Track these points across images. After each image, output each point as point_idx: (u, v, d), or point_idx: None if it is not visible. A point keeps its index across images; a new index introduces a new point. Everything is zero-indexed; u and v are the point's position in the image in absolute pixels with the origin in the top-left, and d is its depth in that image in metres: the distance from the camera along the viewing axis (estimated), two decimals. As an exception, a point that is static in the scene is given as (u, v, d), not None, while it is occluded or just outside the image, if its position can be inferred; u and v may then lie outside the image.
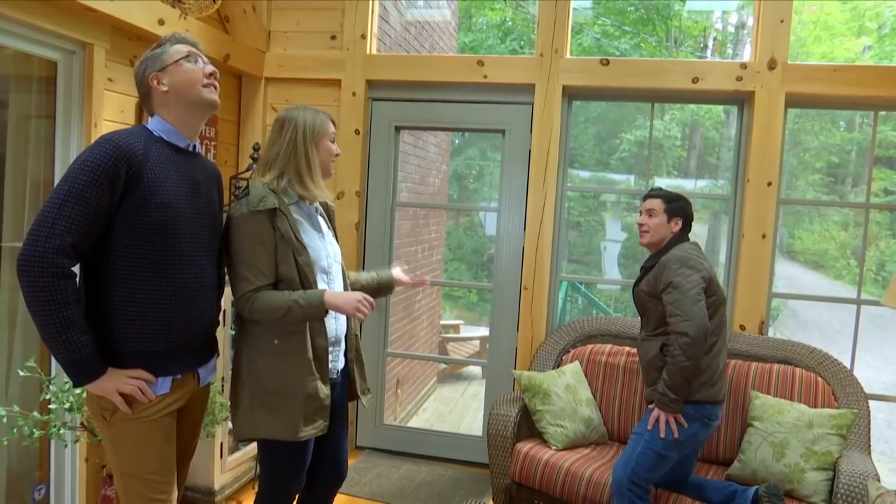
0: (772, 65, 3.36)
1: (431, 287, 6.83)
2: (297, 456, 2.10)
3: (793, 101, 3.42)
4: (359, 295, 2.00)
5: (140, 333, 1.76)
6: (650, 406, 2.62)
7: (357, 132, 3.81)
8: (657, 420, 2.54)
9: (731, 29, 12.53)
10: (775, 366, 3.11)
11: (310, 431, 2.04)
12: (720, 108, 10.72)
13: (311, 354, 2.04)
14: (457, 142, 11.32)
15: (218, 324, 2.01)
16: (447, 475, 3.67)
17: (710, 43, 12.59)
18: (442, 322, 8.05)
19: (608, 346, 3.38)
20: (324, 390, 2.07)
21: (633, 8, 11.67)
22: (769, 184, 3.39)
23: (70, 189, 1.63)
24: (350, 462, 3.76)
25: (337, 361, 2.19)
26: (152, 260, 1.75)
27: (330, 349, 2.12)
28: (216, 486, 3.08)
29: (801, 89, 3.35)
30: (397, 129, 3.91)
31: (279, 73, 3.88)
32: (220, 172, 2.10)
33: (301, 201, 2.12)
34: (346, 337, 2.24)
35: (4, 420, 2.46)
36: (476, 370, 7.92)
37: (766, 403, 2.90)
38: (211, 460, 3.06)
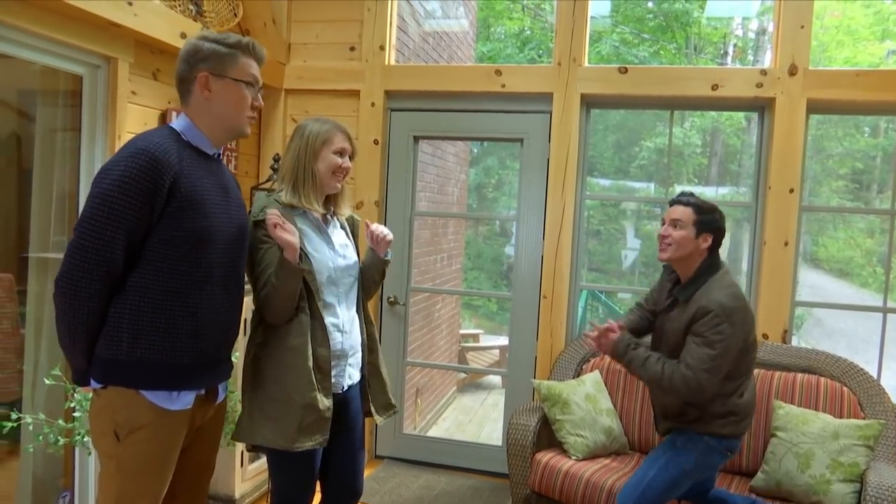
0: (792, 71, 3.33)
1: (451, 296, 6.81)
2: (302, 467, 2.08)
3: (814, 107, 3.39)
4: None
5: (170, 346, 1.70)
6: (665, 436, 2.54)
7: (376, 142, 3.83)
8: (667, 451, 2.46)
9: (751, 35, 12.44)
10: (799, 375, 3.06)
11: (306, 443, 2.00)
12: (741, 114, 10.63)
13: (311, 363, 2.01)
14: (475, 151, 11.34)
15: (237, 336, 1.99)
16: (467, 485, 3.66)
17: (731, 49, 12.49)
18: (461, 331, 8.03)
19: (628, 355, 3.35)
20: (324, 402, 2.03)
21: (651, 16, 11.63)
22: (791, 191, 3.36)
23: (110, 211, 1.58)
24: (369, 471, 3.77)
25: (343, 376, 2.15)
26: (185, 270, 1.69)
27: (335, 362, 2.10)
28: (237, 495, 3.10)
29: (822, 95, 3.31)
30: (416, 138, 3.93)
31: (299, 85, 3.93)
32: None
33: (308, 211, 2.11)
34: (362, 351, 2.22)
35: (31, 427, 2.50)
36: (496, 379, 7.89)
37: (790, 413, 2.86)
38: (232, 469, 3.08)
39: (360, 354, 2.22)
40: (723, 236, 2.41)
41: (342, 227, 2.24)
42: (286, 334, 2.01)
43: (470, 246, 11.56)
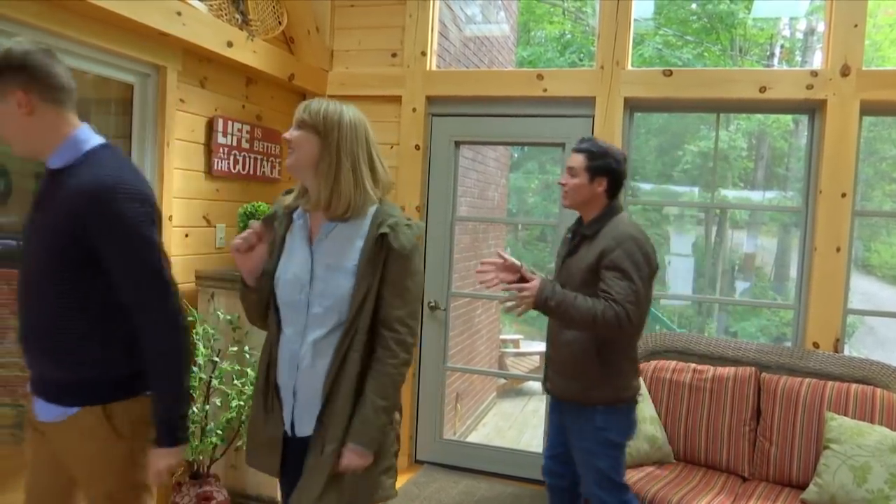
0: (845, 71, 3.23)
1: (491, 301, 6.80)
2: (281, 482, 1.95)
3: (868, 109, 3.28)
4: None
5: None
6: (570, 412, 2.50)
7: (417, 147, 3.85)
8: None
9: (799, 36, 12.13)
10: (853, 386, 2.95)
11: (255, 463, 1.89)
12: (789, 117, 10.37)
13: (262, 381, 1.86)
14: (516, 156, 11.30)
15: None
16: (507, 492, 3.63)
17: (778, 51, 12.20)
18: (501, 337, 8.00)
19: (673, 363, 3.28)
20: (266, 429, 1.83)
21: (695, 17, 11.44)
22: (843, 195, 3.25)
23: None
24: (409, 476, 3.77)
25: (290, 416, 1.81)
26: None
27: (284, 393, 1.82)
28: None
29: (876, 96, 3.20)
30: (457, 144, 3.93)
31: (341, 91, 3.97)
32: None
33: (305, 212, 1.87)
34: (322, 402, 1.77)
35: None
36: (536, 386, 7.83)
37: (843, 425, 2.76)
38: (274, 471, 3.11)
39: (316, 404, 1.78)
40: (620, 178, 2.46)
41: (359, 236, 1.80)
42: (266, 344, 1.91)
43: (510, 251, 11.51)
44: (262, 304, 1.89)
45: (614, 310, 2.24)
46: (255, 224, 1.81)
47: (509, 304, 2.37)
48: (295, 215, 1.88)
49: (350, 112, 1.82)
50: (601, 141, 2.50)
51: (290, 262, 1.82)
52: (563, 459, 2.63)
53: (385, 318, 1.77)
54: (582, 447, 2.47)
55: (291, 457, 1.83)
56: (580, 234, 2.50)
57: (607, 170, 2.43)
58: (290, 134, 1.80)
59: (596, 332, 2.33)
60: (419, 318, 1.87)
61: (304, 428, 1.79)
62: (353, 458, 1.73)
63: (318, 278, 1.77)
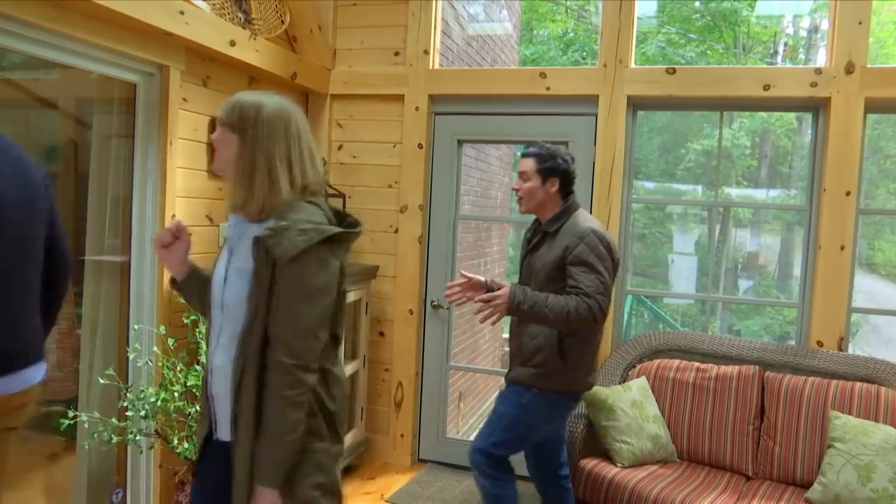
0: (849, 69, 3.22)
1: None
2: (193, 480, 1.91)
3: (873, 107, 3.27)
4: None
5: None
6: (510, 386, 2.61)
7: (420, 146, 3.85)
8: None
9: (802, 33, 12.09)
10: (857, 384, 2.95)
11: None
12: (792, 115, 10.34)
13: (204, 374, 1.79)
14: (519, 154, 11.29)
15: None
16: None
17: (781, 48, 12.16)
18: (504, 335, 7.99)
19: (676, 362, 3.28)
20: (199, 428, 1.79)
21: (698, 15, 11.40)
22: (847, 193, 3.24)
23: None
24: (412, 475, 3.77)
25: (212, 415, 1.73)
26: None
27: (209, 399, 1.74)
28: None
29: (881, 94, 3.19)
30: (460, 142, 3.93)
31: (344, 90, 3.97)
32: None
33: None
34: (231, 419, 1.65)
35: (86, 425, 2.57)
36: (539, 384, 7.84)
37: (847, 424, 2.76)
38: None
39: (227, 414, 1.67)
40: (571, 177, 2.57)
41: (250, 243, 1.64)
42: None
43: (512, 250, 11.50)
44: (192, 301, 1.89)
45: (587, 303, 2.32)
46: (175, 220, 1.81)
47: (482, 314, 2.41)
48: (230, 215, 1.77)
49: (271, 106, 1.65)
50: (548, 144, 2.61)
51: (218, 263, 1.75)
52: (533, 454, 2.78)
53: (270, 334, 1.60)
54: (497, 410, 2.61)
55: (212, 458, 1.76)
56: (541, 232, 2.58)
57: (558, 170, 2.54)
58: (214, 134, 1.70)
59: (571, 328, 2.41)
60: (312, 338, 1.60)
61: (223, 432, 1.70)
62: (258, 499, 1.60)
63: (229, 280, 1.68)
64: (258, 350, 1.60)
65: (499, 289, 2.42)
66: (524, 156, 2.57)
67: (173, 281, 1.89)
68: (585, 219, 2.51)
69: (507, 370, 2.74)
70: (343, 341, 1.84)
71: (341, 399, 1.74)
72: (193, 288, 1.86)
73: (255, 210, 1.64)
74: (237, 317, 1.64)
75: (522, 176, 2.56)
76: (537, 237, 2.60)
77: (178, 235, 1.81)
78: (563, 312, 2.31)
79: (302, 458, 1.62)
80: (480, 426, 2.65)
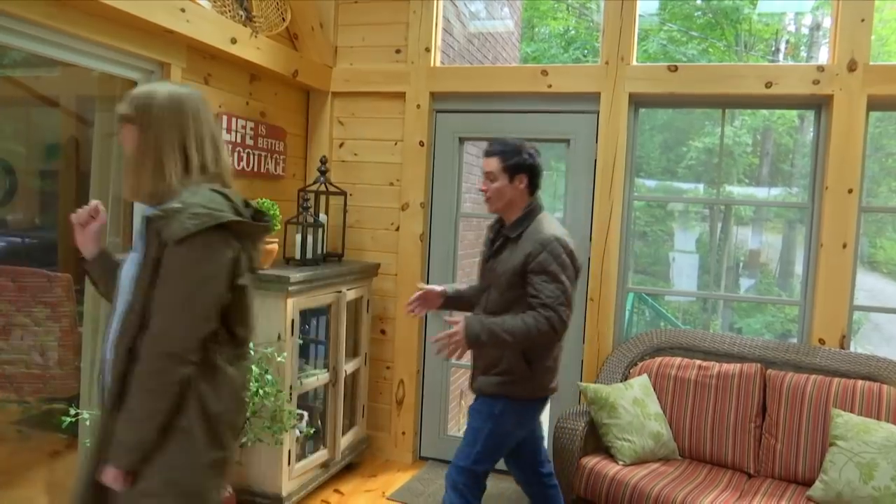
0: (852, 66, 3.21)
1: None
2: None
3: (875, 104, 3.26)
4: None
5: None
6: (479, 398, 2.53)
7: (421, 144, 3.84)
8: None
9: (804, 31, 12.07)
10: (859, 382, 2.94)
11: None
12: (794, 113, 10.32)
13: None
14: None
15: None
16: (511, 488, 3.62)
17: (783, 46, 12.14)
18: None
19: (678, 360, 3.28)
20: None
21: (700, 13, 11.38)
22: (850, 191, 3.24)
23: None
24: (413, 472, 3.77)
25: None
26: None
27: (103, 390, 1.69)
28: (284, 493, 3.13)
29: (884, 91, 3.19)
30: (461, 140, 3.92)
31: (345, 88, 3.96)
32: None
33: None
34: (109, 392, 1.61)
35: (87, 423, 2.57)
36: (540, 382, 7.83)
37: (849, 422, 2.75)
38: (279, 467, 3.12)
39: (106, 385, 1.65)
40: (538, 172, 2.46)
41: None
42: None
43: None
44: (99, 285, 1.86)
45: (545, 316, 2.27)
46: (94, 202, 1.80)
47: (442, 352, 2.37)
48: None
49: (164, 94, 1.66)
50: (510, 139, 2.51)
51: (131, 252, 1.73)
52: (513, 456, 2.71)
53: (149, 318, 1.56)
54: (472, 426, 2.51)
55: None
56: (503, 236, 2.49)
57: (524, 165, 2.44)
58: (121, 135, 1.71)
59: (533, 346, 2.35)
60: (191, 328, 1.55)
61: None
62: (103, 473, 1.58)
63: (126, 264, 1.69)
64: (136, 333, 1.57)
65: (455, 324, 2.36)
66: (487, 154, 2.47)
67: (82, 260, 1.85)
68: (549, 224, 2.43)
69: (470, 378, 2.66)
70: (248, 342, 1.75)
71: (231, 401, 1.65)
72: (101, 269, 1.83)
73: (146, 195, 1.65)
74: (124, 301, 1.62)
75: (489, 176, 2.46)
76: (500, 240, 2.51)
77: (93, 216, 1.80)
78: (523, 332, 2.27)
79: (158, 451, 1.56)
80: (457, 447, 2.56)
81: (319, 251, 3.58)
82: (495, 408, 2.47)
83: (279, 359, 3.00)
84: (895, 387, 2.91)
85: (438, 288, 2.66)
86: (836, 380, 2.97)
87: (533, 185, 2.48)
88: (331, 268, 3.48)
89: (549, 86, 3.62)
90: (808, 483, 2.83)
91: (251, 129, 3.49)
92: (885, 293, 10.95)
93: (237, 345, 1.69)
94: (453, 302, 2.74)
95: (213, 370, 1.60)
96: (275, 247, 3.20)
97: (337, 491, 3.54)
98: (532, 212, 2.46)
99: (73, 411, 2.50)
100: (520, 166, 2.43)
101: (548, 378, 2.49)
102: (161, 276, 1.55)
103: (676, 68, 3.45)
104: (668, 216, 11.61)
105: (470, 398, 2.65)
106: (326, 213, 3.81)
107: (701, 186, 11.29)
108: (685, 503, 2.66)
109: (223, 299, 1.60)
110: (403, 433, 3.97)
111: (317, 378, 3.40)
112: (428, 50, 3.83)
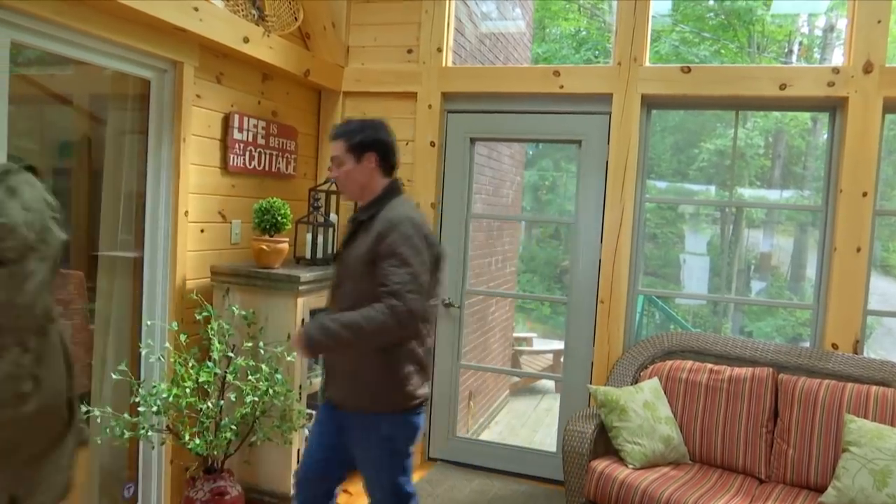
0: (868, 68, 3.18)
1: (505, 299, 6.78)
2: None
3: (891, 107, 3.23)
4: None
5: None
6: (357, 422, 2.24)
7: (432, 144, 3.84)
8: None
9: (818, 32, 11.98)
10: (873, 388, 2.91)
11: None
12: (807, 115, 10.26)
13: None
14: (530, 153, 11.25)
15: None
16: (520, 491, 3.62)
17: (796, 48, 12.06)
18: (515, 335, 7.98)
19: (689, 363, 3.25)
20: None
21: (713, 14, 11.32)
22: (864, 194, 3.20)
23: None
24: (422, 474, 3.77)
25: None
26: None
27: None
28: (292, 492, 3.13)
29: (900, 94, 3.16)
30: (472, 140, 3.91)
31: (357, 87, 3.96)
32: None
33: None
34: None
35: (98, 420, 2.58)
36: (549, 384, 7.81)
37: (863, 428, 2.72)
38: (288, 466, 3.12)
39: None
40: (388, 148, 2.24)
41: None
42: None
43: (523, 249, 11.49)
44: None
45: (388, 305, 2.00)
46: None
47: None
48: None
49: None
50: (354, 119, 2.34)
51: None
52: (322, 467, 2.40)
53: None
54: (367, 457, 2.28)
55: None
56: (356, 221, 2.26)
57: (370, 142, 2.22)
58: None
59: (387, 339, 2.09)
60: None
61: None
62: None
63: None
64: None
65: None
66: (332, 138, 2.26)
67: None
68: (405, 205, 2.21)
69: (324, 388, 2.37)
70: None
71: None
72: None
73: None
74: None
75: (335, 161, 2.24)
76: (352, 227, 2.27)
77: None
78: (364, 328, 2.01)
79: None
80: (370, 487, 2.34)
81: (330, 251, 3.59)
82: (381, 429, 2.22)
83: (289, 358, 3.00)
84: (910, 393, 2.88)
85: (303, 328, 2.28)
86: (849, 385, 2.94)
87: (386, 164, 2.25)
88: (341, 267, 3.47)
89: (561, 87, 3.61)
90: (821, 489, 2.80)
91: (263, 128, 3.49)
92: (899, 297, 10.85)
93: None
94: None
95: None
96: (286, 246, 3.20)
97: (345, 491, 3.53)
98: (389, 193, 2.24)
99: (84, 408, 2.50)
100: (365, 144, 2.21)
101: (410, 387, 2.20)
102: None
103: (690, 69, 3.42)
104: (678, 218, 11.56)
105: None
106: (337, 212, 3.80)
107: (712, 188, 11.23)
108: (695, 508, 2.64)
109: None
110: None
111: (326, 378, 3.40)
112: (440, 50, 3.82)
